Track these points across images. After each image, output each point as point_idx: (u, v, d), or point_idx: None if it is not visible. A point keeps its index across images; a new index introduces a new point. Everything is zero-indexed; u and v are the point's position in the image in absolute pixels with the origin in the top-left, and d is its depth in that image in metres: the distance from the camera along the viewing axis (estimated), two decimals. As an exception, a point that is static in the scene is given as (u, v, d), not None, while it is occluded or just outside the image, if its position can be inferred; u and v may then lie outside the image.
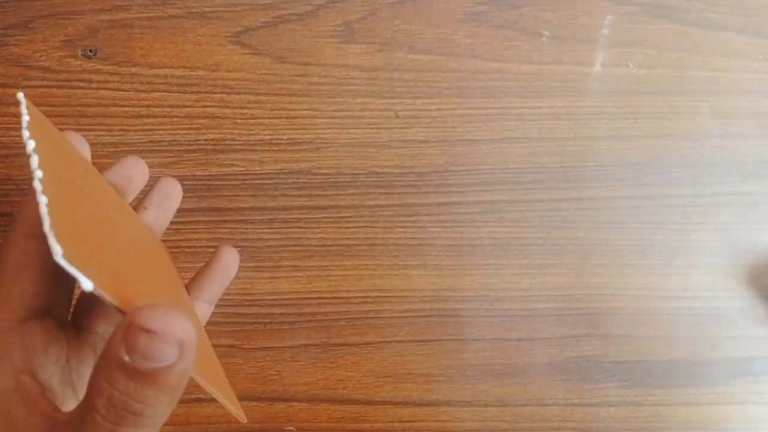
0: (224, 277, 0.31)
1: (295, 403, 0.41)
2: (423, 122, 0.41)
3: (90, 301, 0.27)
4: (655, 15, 0.41)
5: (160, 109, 0.40)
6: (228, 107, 0.40)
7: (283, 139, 0.41)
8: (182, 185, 0.41)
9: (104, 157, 0.40)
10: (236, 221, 0.41)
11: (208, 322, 0.42)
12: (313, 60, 0.41)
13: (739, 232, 0.42)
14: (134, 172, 0.29)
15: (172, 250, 0.40)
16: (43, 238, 0.17)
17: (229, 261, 0.31)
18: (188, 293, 0.30)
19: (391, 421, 0.42)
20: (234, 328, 0.41)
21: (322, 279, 0.41)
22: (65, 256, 0.15)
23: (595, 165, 0.41)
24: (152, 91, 0.40)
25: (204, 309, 0.31)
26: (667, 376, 0.42)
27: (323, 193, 0.41)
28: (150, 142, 0.40)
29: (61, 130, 0.40)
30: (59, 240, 0.16)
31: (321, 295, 0.41)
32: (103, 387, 0.18)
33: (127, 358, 0.17)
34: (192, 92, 0.40)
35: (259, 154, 0.41)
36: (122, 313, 0.18)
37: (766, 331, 0.42)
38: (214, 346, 0.42)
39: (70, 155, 0.25)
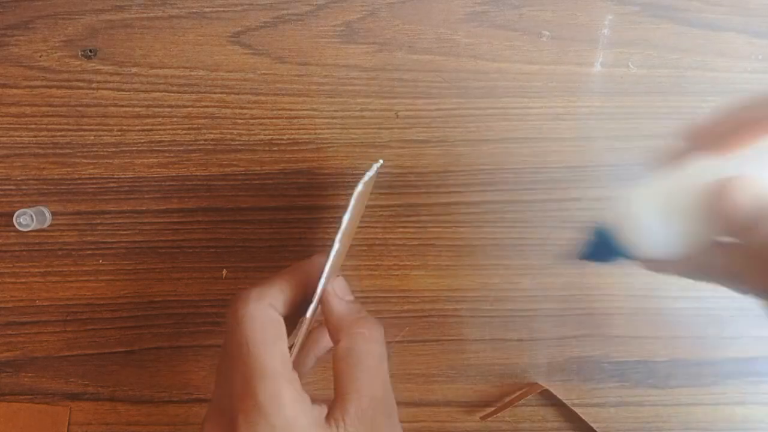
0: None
1: (295, 403, 0.41)
2: (423, 122, 0.41)
3: None
4: (655, 15, 0.41)
5: (160, 109, 0.40)
6: (228, 107, 0.40)
7: (283, 140, 0.41)
8: (182, 185, 0.41)
9: (104, 158, 0.40)
10: (236, 221, 0.41)
11: (208, 323, 0.42)
12: (313, 60, 0.41)
13: (739, 232, 0.42)
14: None
15: (171, 250, 0.41)
16: None
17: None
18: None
19: (391, 421, 0.41)
20: (234, 328, 0.41)
21: (322, 279, 0.41)
22: None
23: (595, 165, 0.41)
24: (152, 91, 0.40)
25: None
26: (667, 376, 0.42)
27: (323, 193, 0.41)
28: (150, 142, 0.40)
29: (59, 128, 0.40)
30: None
31: (321, 295, 0.41)
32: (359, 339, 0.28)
33: (346, 299, 0.30)
34: (192, 92, 0.40)
35: (259, 154, 0.41)
36: None
37: (766, 331, 0.42)
38: (215, 346, 0.42)
39: None
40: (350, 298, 0.30)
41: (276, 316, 0.27)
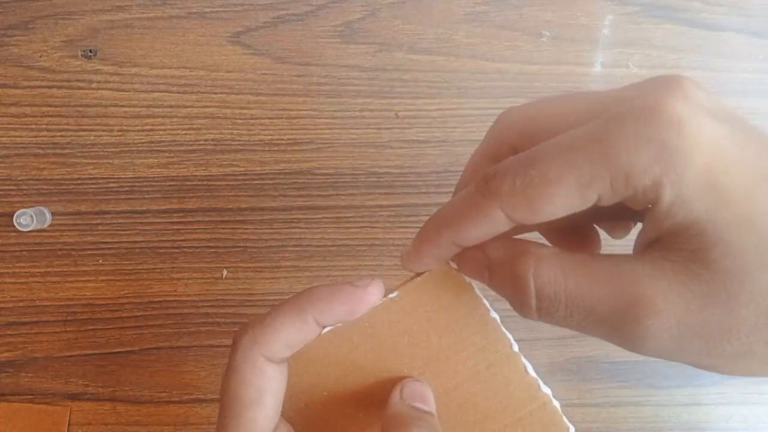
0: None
1: (295, 404, 0.41)
2: (423, 122, 0.41)
3: None
4: (655, 15, 0.41)
5: (160, 110, 0.40)
6: (228, 107, 0.40)
7: (283, 140, 0.41)
8: (182, 185, 0.41)
9: (104, 158, 0.40)
10: (236, 221, 0.41)
11: (208, 323, 0.42)
12: (313, 60, 0.41)
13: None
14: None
15: (171, 250, 0.41)
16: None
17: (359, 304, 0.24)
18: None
19: (391, 421, 0.41)
20: (234, 329, 0.41)
21: (322, 279, 0.41)
22: None
23: (595, 165, 0.41)
24: (152, 91, 0.40)
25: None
26: (667, 376, 0.42)
27: (323, 193, 0.41)
28: (150, 142, 0.40)
29: (59, 128, 0.40)
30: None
31: (321, 295, 0.41)
32: None
33: (407, 402, 0.23)
34: (192, 92, 0.40)
35: (259, 154, 0.41)
36: None
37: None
38: (215, 346, 0.42)
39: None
40: (420, 405, 0.24)
41: (265, 369, 0.23)
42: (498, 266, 0.21)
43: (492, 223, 0.20)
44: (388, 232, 0.41)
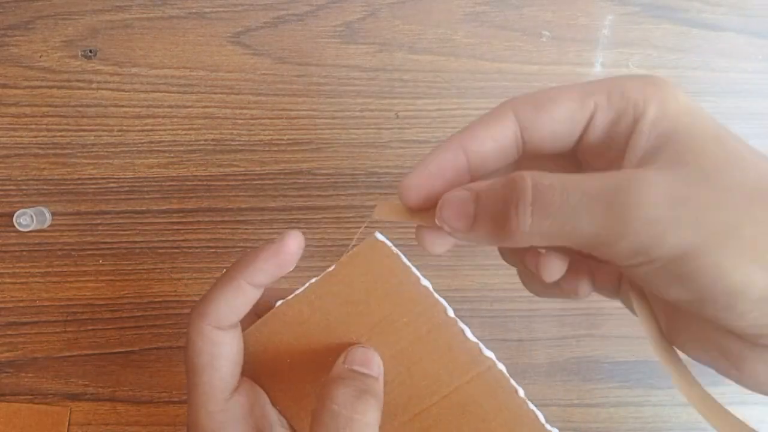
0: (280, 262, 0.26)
1: (295, 404, 0.41)
2: (423, 122, 0.41)
3: None
4: (655, 15, 0.41)
5: (160, 110, 0.40)
6: (228, 107, 0.40)
7: (283, 140, 0.41)
8: (182, 185, 0.41)
9: (104, 158, 0.40)
10: (236, 221, 0.41)
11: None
12: (313, 60, 0.41)
13: (739, 232, 0.42)
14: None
15: (171, 250, 0.41)
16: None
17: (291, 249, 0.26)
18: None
19: (391, 422, 0.42)
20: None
21: (322, 279, 0.41)
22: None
23: (595, 165, 0.41)
24: (152, 91, 0.40)
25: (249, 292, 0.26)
26: (667, 377, 0.42)
27: (323, 193, 0.41)
28: (150, 142, 0.40)
29: (59, 128, 0.40)
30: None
31: (321, 296, 0.41)
32: (326, 405, 0.23)
33: (347, 366, 0.25)
34: (192, 92, 0.40)
35: (259, 154, 0.41)
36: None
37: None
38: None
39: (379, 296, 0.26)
40: (359, 368, 0.25)
41: (212, 337, 0.25)
42: (488, 192, 0.21)
43: (500, 127, 0.22)
44: (388, 233, 0.41)
